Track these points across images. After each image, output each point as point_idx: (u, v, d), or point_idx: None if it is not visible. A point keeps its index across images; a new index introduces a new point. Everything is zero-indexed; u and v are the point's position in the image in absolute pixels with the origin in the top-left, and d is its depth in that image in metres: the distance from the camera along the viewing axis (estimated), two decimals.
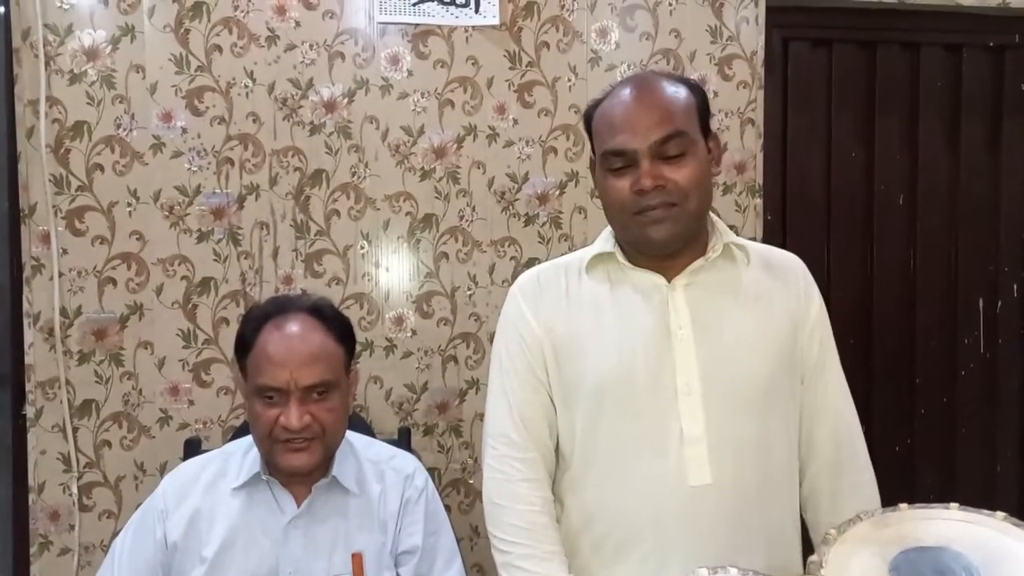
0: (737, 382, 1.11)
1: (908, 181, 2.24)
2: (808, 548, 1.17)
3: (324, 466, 1.26)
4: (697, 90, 1.14)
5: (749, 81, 2.11)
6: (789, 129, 2.17)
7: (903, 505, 0.94)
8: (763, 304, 1.15)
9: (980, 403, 2.27)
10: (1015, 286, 2.29)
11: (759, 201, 2.13)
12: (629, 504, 1.11)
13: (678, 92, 1.12)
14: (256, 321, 1.25)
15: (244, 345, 1.25)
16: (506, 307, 1.23)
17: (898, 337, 2.23)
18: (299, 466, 1.21)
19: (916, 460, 2.24)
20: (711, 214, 1.18)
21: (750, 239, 2.06)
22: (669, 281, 1.13)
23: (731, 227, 2.10)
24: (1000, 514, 0.89)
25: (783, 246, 2.10)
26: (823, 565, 0.86)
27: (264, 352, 1.21)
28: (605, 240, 1.19)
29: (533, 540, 1.11)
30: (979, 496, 2.23)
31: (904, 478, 2.21)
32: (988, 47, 2.23)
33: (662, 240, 1.09)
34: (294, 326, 1.23)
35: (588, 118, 1.18)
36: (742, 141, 2.11)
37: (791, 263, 1.23)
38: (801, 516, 1.23)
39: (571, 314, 1.16)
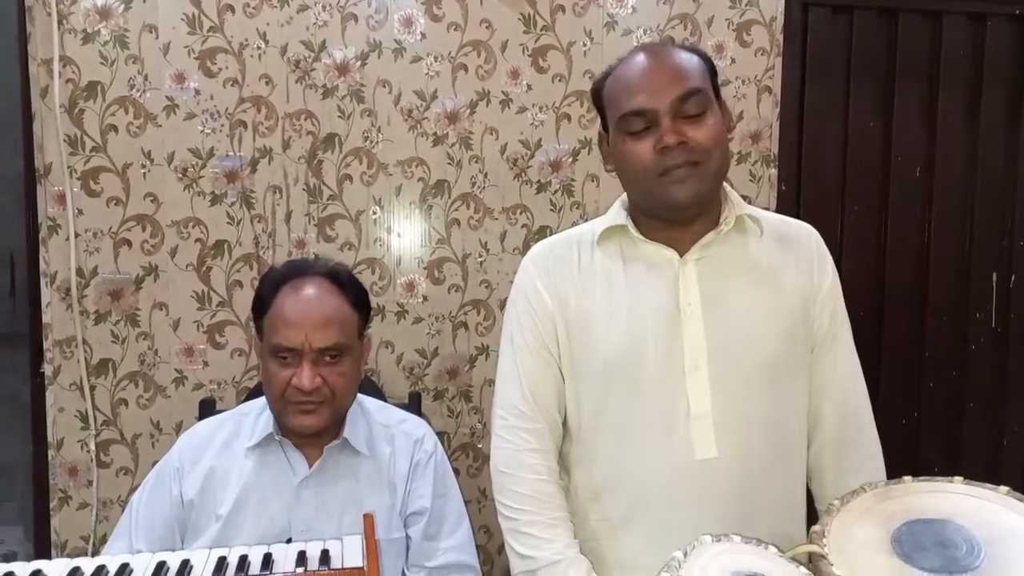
0: (744, 359, 1.11)
1: (925, 153, 2.21)
2: (813, 519, 1.19)
3: (335, 428, 1.29)
4: (706, 58, 1.14)
5: (767, 48, 2.07)
6: (806, 98, 2.14)
7: (907, 478, 0.95)
8: (775, 278, 1.15)
9: (989, 378, 2.27)
10: None
11: (774, 171, 2.11)
12: (637, 477, 1.12)
13: (691, 55, 1.12)
14: (274, 283, 1.27)
15: (261, 306, 1.27)
16: (518, 279, 1.23)
17: (910, 310, 2.23)
18: (307, 426, 1.23)
19: (923, 433, 2.25)
20: (724, 184, 1.17)
21: (763, 209, 2.06)
22: (681, 255, 1.13)
23: (744, 197, 2.09)
24: (1003, 488, 0.89)
25: (797, 217, 2.10)
26: (826, 535, 0.87)
27: (280, 313, 1.23)
28: (616, 213, 1.18)
29: (539, 507, 1.13)
30: (984, 470, 2.25)
31: (910, 451, 2.22)
32: (1013, 16, 2.18)
33: (686, 200, 1.08)
34: (311, 289, 1.25)
35: (597, 91, 1.16)
36: (758, 109, 2.09)
37: (804, 234, 1.22)
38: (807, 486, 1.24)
39: (584, 288, 1.16)
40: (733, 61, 2.06)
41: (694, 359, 1.10)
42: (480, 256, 2.02)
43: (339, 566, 0.96)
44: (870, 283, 2.21)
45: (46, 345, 1.88)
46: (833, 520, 0.89)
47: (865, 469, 1.17)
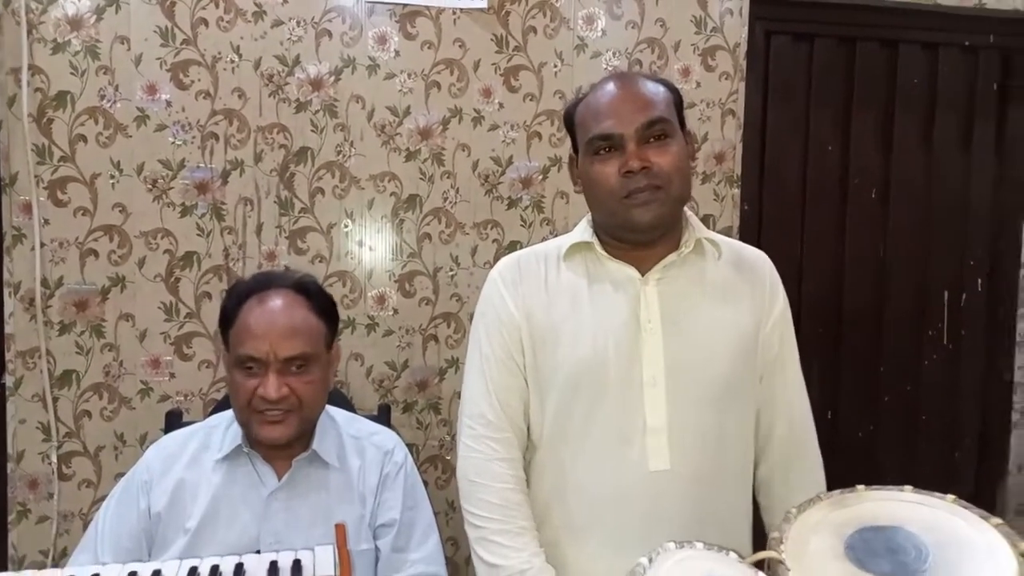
0: (700, 377, 1.16)
1: (882, 176, 2.29)
2: (757, 531, 1.24)
3: (305, 440, 1.29)
4: (673, 89, 1.20)
5: (731, 72, 2.14)
6: (768, 121, 2.21)
7: (860, 487, 0.99)
8: (730, 301, 1.20)
9: (941, 393, 2.35)
10: (979, 280, 2.36)
11: (737, 191, 2.17)
12: (594, 487, 1.17)
13: (658, 86, 1.19)
14: (240, 295, 1.27)
15: (227, 318, 1.27)
16: (486, 291, 1.26)
17: (866, 327, 2.30)
18: (275, 438, 1.23)
19: (879, 445, 2.31)
20: (685, 209, 1.22)
21: (726, 228, 2.12)
22: (643, 275, 1.17)
23: (708, 216, 2.14)
24: (950, 497, 0.94)
25: (758, 236, 2.17)
26: (783, 542, 0.90)
27: (245, 324, 1.23)
28: (583, 230, 1.23)
29: (506, 516, 1.16)
30: (937, 481, 2.31)
31: (867, 462, 2.28)
32: (964, 47, 2.28)
33: (648, 223, 1.13)
34: (277, 300, 1.26)
35: (569, 115, 1.22)
36: (722, 132, 2.15)
37: (759, 261, 1.28)
38: (755, 499, 1.29)
39: (550, 303, 1.20)
40: (698, 85, 2.12)
41: (652, 374, 1.15)
42: (451, 270, 2.04)
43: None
44: (828, 301, 2.27)
45: (8, 356, 1.85)
46: (790, 527, 0.93)
47: (811, 483, 1.24)
